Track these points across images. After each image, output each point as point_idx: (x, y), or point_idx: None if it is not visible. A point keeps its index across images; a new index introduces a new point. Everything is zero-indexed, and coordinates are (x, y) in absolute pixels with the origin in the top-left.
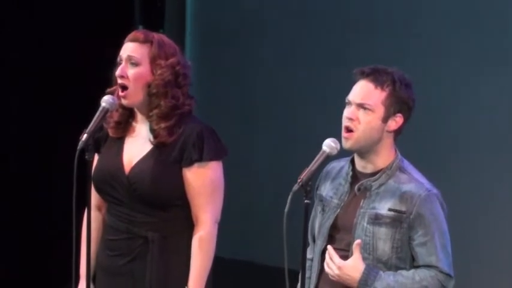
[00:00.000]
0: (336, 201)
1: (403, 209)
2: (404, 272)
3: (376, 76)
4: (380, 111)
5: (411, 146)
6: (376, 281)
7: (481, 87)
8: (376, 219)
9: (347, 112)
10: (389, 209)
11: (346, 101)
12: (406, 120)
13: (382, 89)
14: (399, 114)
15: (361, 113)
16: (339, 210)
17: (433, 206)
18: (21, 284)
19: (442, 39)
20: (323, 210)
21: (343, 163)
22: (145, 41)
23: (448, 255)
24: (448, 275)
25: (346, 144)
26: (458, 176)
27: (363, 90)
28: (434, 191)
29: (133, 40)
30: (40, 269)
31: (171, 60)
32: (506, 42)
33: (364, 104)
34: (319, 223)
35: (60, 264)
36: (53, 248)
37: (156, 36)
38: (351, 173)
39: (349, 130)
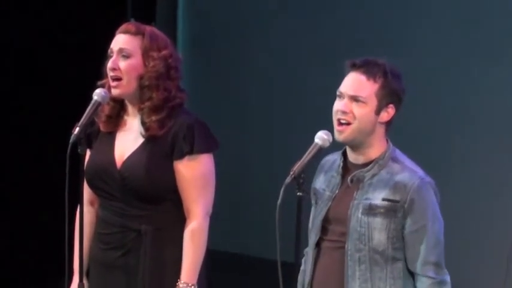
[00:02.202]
0: (328, 193)
1: (397, 198)
2: None
3: (368, 68)
4: (373, 103)
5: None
6: None
7: (474, 84)
8: (371, 210)
9: (340, 105)
10: (384, 199)
11: (338, 93)
12: (397, 111)
13: (375, 80)
14: (391, 105)
15: (354, 106)
16: (331, 202)
17: (427, 193)
18: (14, 279)
19: (438, 37)
20: (316, 203)
21: (336, 156)
22: (137, 33)
23: (437, 248)
24: (440, 282)
25: (340, 137)
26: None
27: (355, 83)
28: (428, 179)
29: (125, 32)
30: (33, 265)
31: (164, 52)
32: (499, 39)
33: (358, 96)
34: (312, 216)
35: (53, 260)
36: (46, 244)
37: (148, 28)
38: (341, 165)
39: (342, 123)
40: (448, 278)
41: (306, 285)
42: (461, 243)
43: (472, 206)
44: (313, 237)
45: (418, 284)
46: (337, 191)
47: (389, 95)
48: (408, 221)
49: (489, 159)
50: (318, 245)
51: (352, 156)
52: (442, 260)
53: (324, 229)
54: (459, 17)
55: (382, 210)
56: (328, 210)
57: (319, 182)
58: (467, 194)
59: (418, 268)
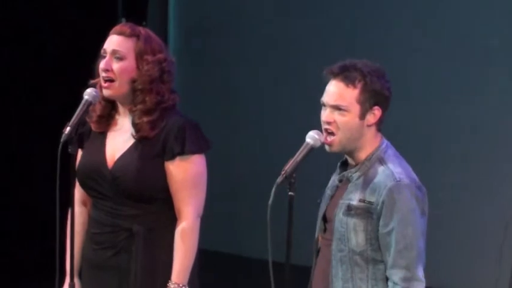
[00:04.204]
0: (328, 192)
1: (372, 199)
2: None
3: (346, 74)
4: (355, 109)
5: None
6: None
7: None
8: (349, 210)
9: (323, 115)
10: (360, 200)
11: (321, 102)
12: (384, 110)
13: (354, 86)
14: (376, 107)
15: (337, 115)
16: (329, 201)
17: (399, 196)
18: (5, 279)
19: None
20: (320, 201)
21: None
22: (131, 34)
23: (408, 252)
24: None
25: (329, 150)
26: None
27: (335, 91)
28: (406, 181)
29: (119, 33)
30: (25, 265)
31: (158, 56)
32: (479, 44)
33: (339, 105)
34: (318, 214)
35: (46, 260)
36: (38, 243)
37: (143, 30)
38: (339, 165)
39: (329, 133)
40: (419, 287)
41: (309, 283)
42: (452, 244)
43: (464, 206)
44: (315, 235)
45: None
46: (334, 191)
47: (372, 97)
48: (380, 223)
49: (482, 159)
50: (318, 242)
51: (348, 158)
52: (414, 266)
53: (323, 228)
54: (443, 16)
55: (358, 211)
56: (326, 209)
57: (330, 181)
58: (459, 195)
59: (387, 271)
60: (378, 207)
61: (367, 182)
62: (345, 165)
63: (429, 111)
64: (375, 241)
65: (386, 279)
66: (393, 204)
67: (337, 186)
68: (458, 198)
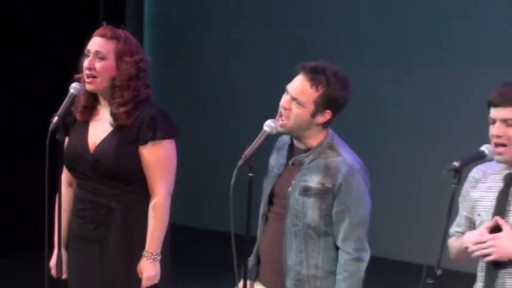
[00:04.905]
0: (275, 171)
1: (329, 182)
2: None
3: (314, 76)
4: (310, 107)
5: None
6: None
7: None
8: (306, 191)
9: (283, 101)
10: (317, 182)
11: (286, 88)
12: (334, 114)
13: (317, 89)
14: (328, 111)
15: (293, 105)
16: (276, 179)
17: (353, 180)
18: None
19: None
20: (266, 177)
21: (288, 139)
22: (112, 37)
23: (359, 227)
24: (356, 259)
25: (279, 130)
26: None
27: (299, 87)
28: (357, 166)
29: (101, 36)
30: (17, 237)
31: (135, 57)
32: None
33: (297, 99)
34: (263, 188)
35: (35, 234)
36: (29, 219)
37: (123, 33)
38: (287, 148)
39: (282, 116)
40: (366, 257)
41: (255, 251)
42: (397, 221)
43: (397, 180)
44: (262, 208)
45: (340, 259)
46: (282, 170)
47: (328, 102)
48: (336, 202)
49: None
50: (265, 216)
51: (296, 141)
52: (363, 239)
53: (271, 202)
54: (392, 19)
55: (315, 192)
56: (274, 186)
57: (272, 159)
58: (394, 169)
59: (340, 243)
60: (335, 189)
61: (321, 167)
62: (291, 148)
63: (367, 89)
64: (328, 217)
65: (335, 248)
66: (349, 187)
67: (286, 167)
68: (393, 172)
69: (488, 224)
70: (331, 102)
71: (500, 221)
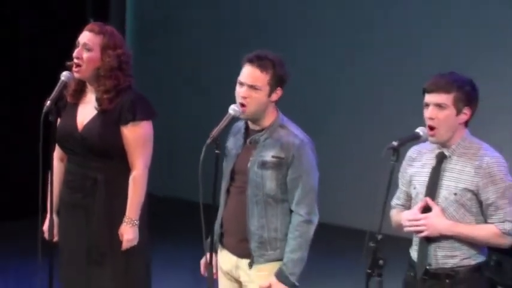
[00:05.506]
0: (234, 151)
1: (283, 155)
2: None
3: (260, 63)
4: (266, 89)
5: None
6: None
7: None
8: (263, 165)
9: (241, 92)
10: (273, 156)
11: (238, 81)
12: (282, 89)
13: (267, 72)
14: (279, 88)
15: (252, 92)
16: (236, 158)
17: (304, 152)
18: None
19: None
20: (226, 158)
21: (242, 124)
22: (99, 32)
23: (310, 193)
24: (307, 221)
25: (242, 116)
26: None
27: (252, 75)
28: (306, 140)
29: (90, 30)
30: (14, 204)
31: (118, 51)
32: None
33: (255, 85)
34: (224, 168)
35: (31, 201)
36: (25, 188)
37: (109, 29)
38: (243, 131)
39: (243, 105)
40: (315, 220)
41: (218, 222)
42: (342, 191)
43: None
44: (224, 185)
45: (292, 220)
46: (240, 150)
47: (278, 81)
48: (290, 171)
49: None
50: (228, 191)
51: (251, 125)
52: (313, 204)
53: (232, 178)
54: (349, 12)
55: (271, 165)
56: (234, 164)
57: (230, 142)
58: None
59: (294, 207)
60: (289, 160)
61: (275, 142)
62: (247, 130)
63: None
64: (284, 186)
65: (291, 214)
66: (300, 157)
67: (243, 147)
68: (339, 146)
69: (420, 204)
70: (280, 80)
71: (430, 202)
